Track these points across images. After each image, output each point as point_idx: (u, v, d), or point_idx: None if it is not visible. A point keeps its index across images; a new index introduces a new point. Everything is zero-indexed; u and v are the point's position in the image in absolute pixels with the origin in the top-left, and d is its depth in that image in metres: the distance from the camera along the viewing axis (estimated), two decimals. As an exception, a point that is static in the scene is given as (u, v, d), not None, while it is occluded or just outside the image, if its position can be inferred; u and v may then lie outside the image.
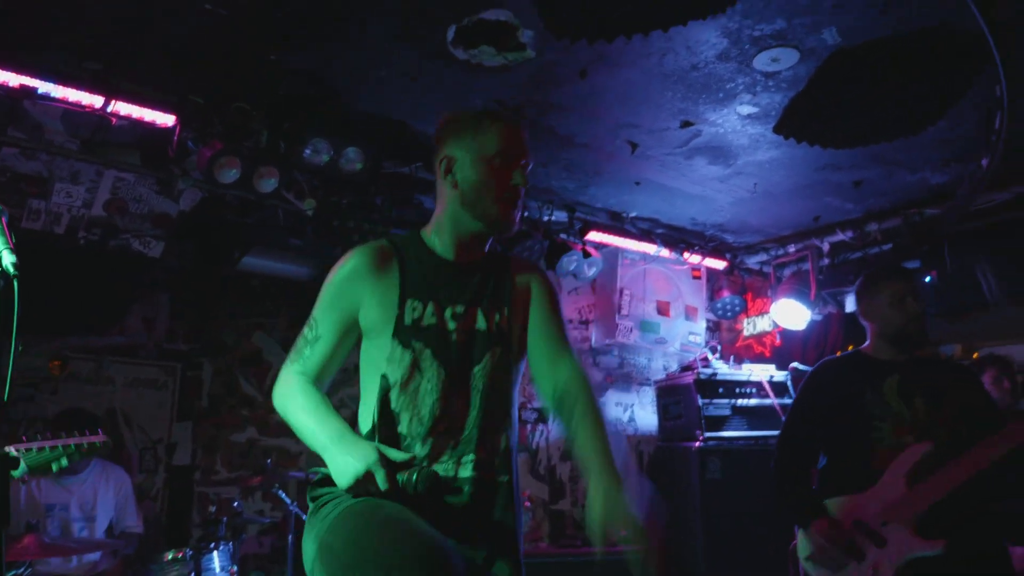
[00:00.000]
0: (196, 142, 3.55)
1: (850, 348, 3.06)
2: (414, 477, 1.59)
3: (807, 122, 3.65)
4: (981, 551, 2.49)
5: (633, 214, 4.90)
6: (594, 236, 4.81)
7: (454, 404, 1.72)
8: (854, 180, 4.36)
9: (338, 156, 3.64)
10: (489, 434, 1.73)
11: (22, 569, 3.24)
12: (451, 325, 1.76)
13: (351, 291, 1.77)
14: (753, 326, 5.86)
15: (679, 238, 5.29)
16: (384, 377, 1.72)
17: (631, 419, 5.55)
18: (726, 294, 5.52)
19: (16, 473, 1.85)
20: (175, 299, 4.69)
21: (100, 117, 3.42)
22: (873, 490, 2.54)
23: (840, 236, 5.03)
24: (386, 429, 1.70)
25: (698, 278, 5.61)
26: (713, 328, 6.02)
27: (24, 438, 1.90)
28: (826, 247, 5.18)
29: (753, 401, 5.02)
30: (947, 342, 7.31)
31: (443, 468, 1.68)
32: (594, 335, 5.44)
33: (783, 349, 5.76)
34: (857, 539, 2.50)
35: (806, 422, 2.84)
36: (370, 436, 1.70)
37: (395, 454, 1.62)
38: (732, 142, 3.90)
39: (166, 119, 3.43)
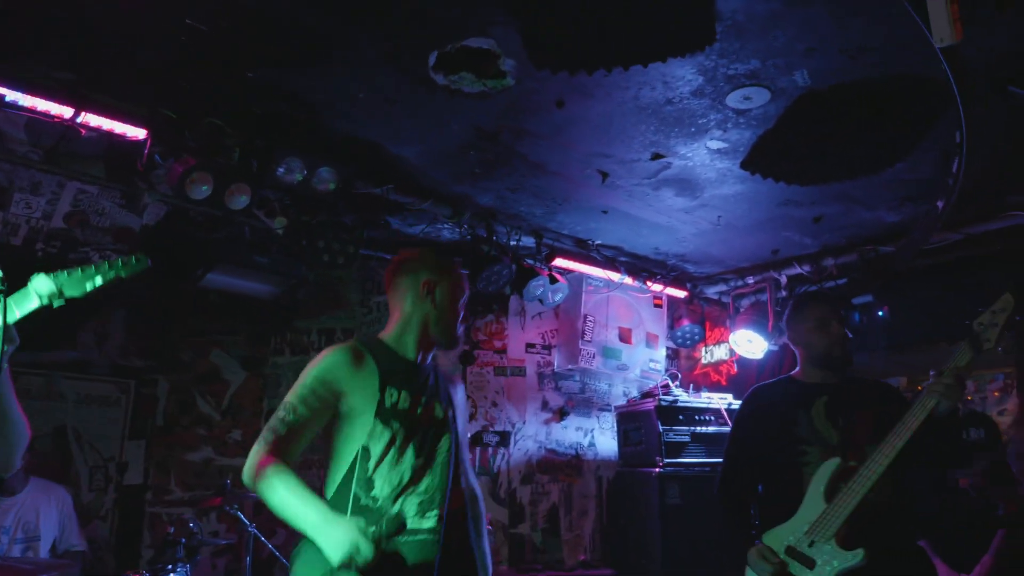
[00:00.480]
0: (164, 156, 3.49)
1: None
2: (383, 527, 1.97)
3: (774, 159, 3.76)
4: (900, 552, 2.58)
5: (599, 242, 4.96)
6: (560, 262, 4.86)
7: (422, 473, 2.14)
8: (814, 216, 4.49)
9: (311, 175, 3.61)
10: (445, 496, 2.16)
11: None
12: (419, 411, 2.19)
13: (336, 380, 2.15)
14: (711, 355, 5.97)
15: (642, 267, 5.37)
16: (366, 449, 2.11)
17: (591, 443, 5.59)
18: (686, 323, 5.62)
19: (45, 292, 1.80)
20: (131, 314, 4.58)
21: (65, 127, 3.35)
22: (799, 513, 2.62)
23: (797, 269, 5.17)
24: (364, 491, 2.09)
25: (659, 306, 5.70)
26: (672, 356, 6.11)
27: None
28: (783, 280, 5.31)
29: (711, 428, 5.11)
30: (894, 375, 7.55)
31: (411, 522, 2.07)
32: (556, 360, 5.48)
33: (739, 377, 5.87)
34: (791, 567, 2.57)
35: (742, 450, 2.93)
36: (344, 496, 2.08)
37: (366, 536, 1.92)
38: (700, 175, 3.99)
39: (137, 132, 3.37)
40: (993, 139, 3.49)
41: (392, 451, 2.10)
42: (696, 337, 5.72)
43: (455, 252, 4.91)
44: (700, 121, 3.44)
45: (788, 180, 3.94)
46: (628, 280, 5.23)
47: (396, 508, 2.07)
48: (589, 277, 5.26)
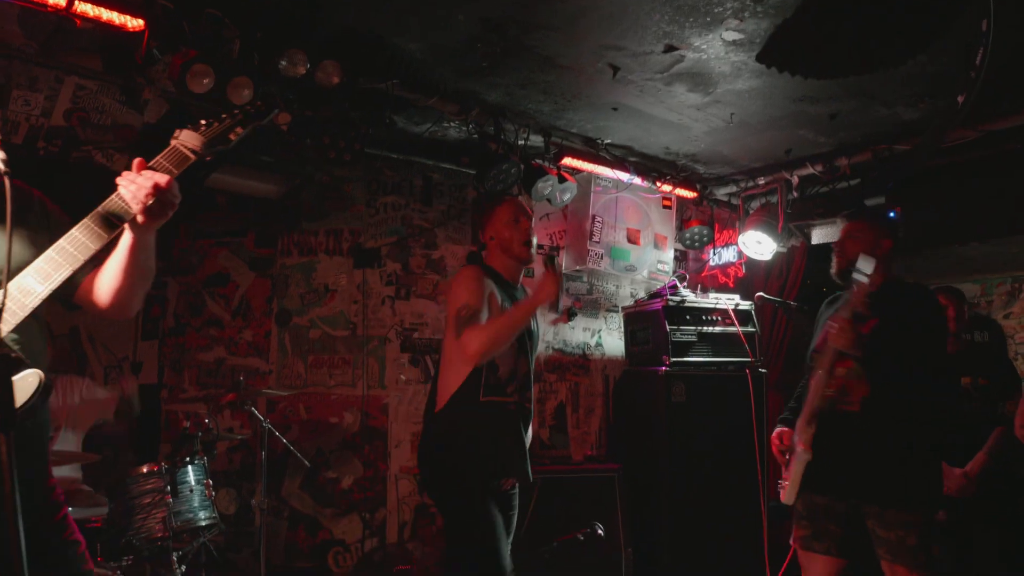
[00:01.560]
0: (162, 50, 3.40)
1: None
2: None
3: (791, 51, 3.63)
4: (840, 450, 2.88)
5: (608, 141, 4.87)
6: (569, 162, 4.78)
7: (524, 362, 2.98)
8: (830, 113, 4.38)
9: (314, 68, 3.52)
10: (531, 381, 3.05)
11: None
12: None
13: (486, 288, 2.86)
14: (719, 257, 5.95)
15: (652, 167, 5.29)
16: None
17: (598, 343, 5.64)
18: (695, 224, 5.57)
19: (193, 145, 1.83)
20: (139, 215, 4.56)
21: (60, 18, 3.24)
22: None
23: (810, 169, 5.08)
24: (492, 373, 2.85)
25: (669, 207, 5.65)
26: (680, 257, 6.10)
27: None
28: (795, 180, 5.23)
29: (718, 328, 5.13)
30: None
31: (520, 397, 2.95)
32: (564, 260, 5.47)
33: (746, 279, 5.87)
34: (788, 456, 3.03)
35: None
36: (478, 377, 2.82)
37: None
38: (714, 69, 3.87)
39: (135, 23, 3.26)
40: (1019, 30, 3.35)
41: (508, 347, 2.84)
42: (705, 239, 5.69)
43: (461, 151, 4.84)
44: (716, 9, 3.31)
45: (805, 74, 3.81)
46: (637, 180, 5.16)
47: (511, 386, 2.90)
48: (598, 177, 5.19)
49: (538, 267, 4.08)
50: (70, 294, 1.93)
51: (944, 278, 7.06)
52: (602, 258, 5.32)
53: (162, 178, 1.72)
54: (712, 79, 3.99)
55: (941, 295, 4.50)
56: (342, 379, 4.82)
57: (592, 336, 5.63)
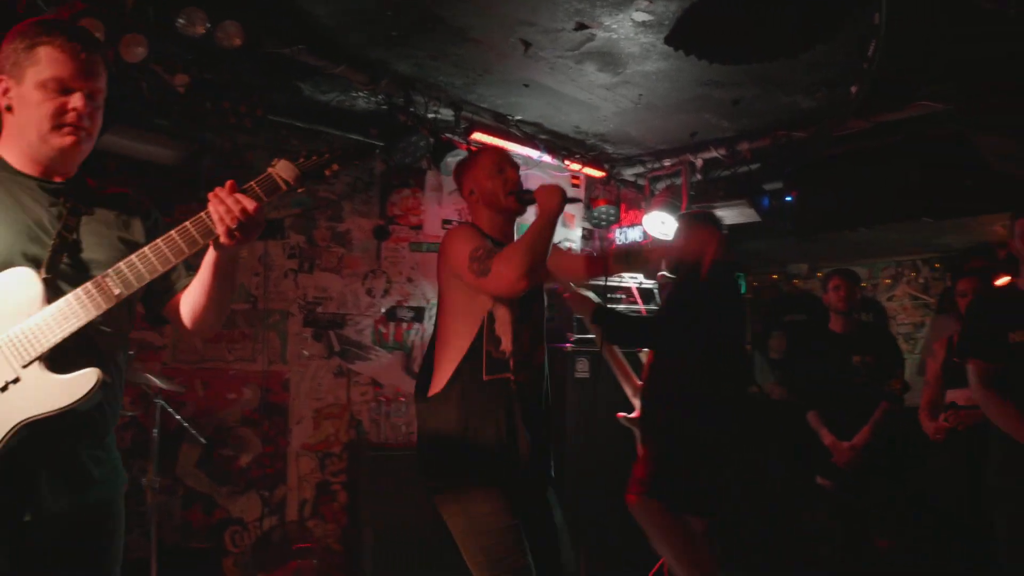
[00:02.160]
0: (48, 2, 3.18)
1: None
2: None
3: (697, 35, 3.70)
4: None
5: (519, 117, 4.86)
6: (479, 136, 4.76)
7: (529, 330, 2.61)
8: (733, 98, 4.50)
9: (215, 29, 3.36)
10: (539, 355, 2.69)
11: None
12: None
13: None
14: (625, 236, 6.05)
15: (562, 145, 5.32)
16: (491, 313, 2.54)
17: (505, 321, 5.67)
18: (602, 203, 5.65)
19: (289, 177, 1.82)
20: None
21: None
22: None
23: (713, 153, 5.22)
24: (495, 347, 2.53)
25: (577, 186, 5.70)
26: (587, 236, 6.17)
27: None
28: (699, 163, 5.37)
29: (621, 307, 5.23)
30: (797, 261, 7.89)
31: (526, 369, 2.59)
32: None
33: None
34: None
35: None
36: (479, 352, 2.51)
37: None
38: (623, 49, 3.91)
39: (14, -31, 3.03)
40: (913, 25, 3.51)
41: (508, 313, 2.54)
42: (612, 218, 5.78)
43: (370, 122, 4.74)
44: (627, -11, 3.34)
45: (710, 59, 3.90)
46: (547, 158, 5.18)
47: (513, 360, 2.55)
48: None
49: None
50: (161, 306, 1.97)
51: (835, 261, 7.43)
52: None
53: (250, 204, 1.72)
54: (622, 59, 4.03)
55: (836, 276, 4.72)
56: (241, 354, 4.67)
57: (499, 313, 5.66)
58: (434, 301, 4.95)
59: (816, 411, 4.64)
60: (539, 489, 2.67)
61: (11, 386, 1.62)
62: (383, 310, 5.05)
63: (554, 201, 2.54)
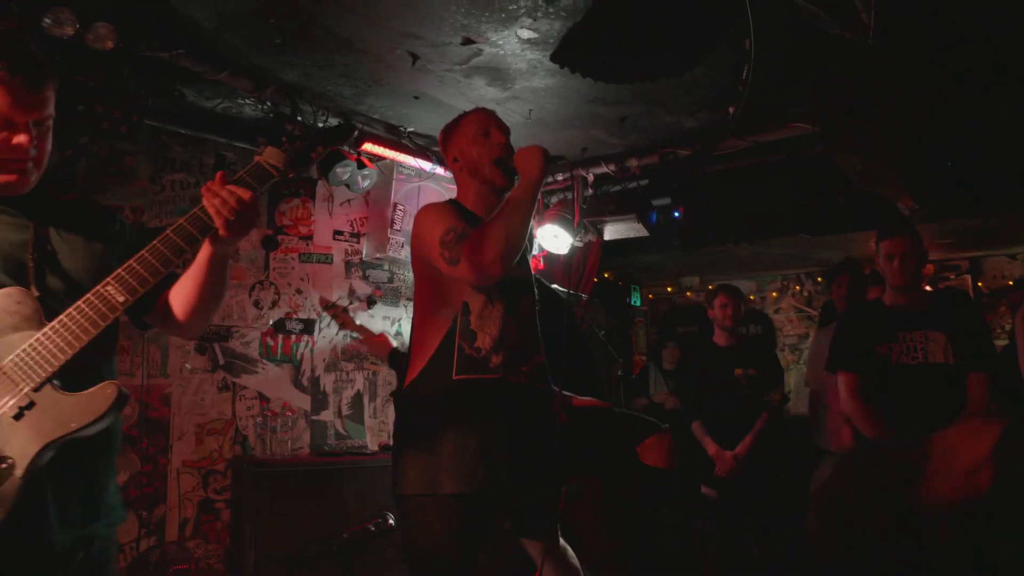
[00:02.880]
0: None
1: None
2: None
3: (581, 54, 3.79)
4: None
5: (411, 129, 4.86)
6: (371, 148, 4.72)
7: (513, 325, 2.34)
8: (620, 116, 4.63)
9: (84, 30, 3.24)
10: (532, 348, 2.42)
11: None
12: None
13: (459, 216, 2.33)
14: (520, 249, 6.11)
15: (455, 158, 5.33)
16: (466, 304, 2.29)
17: (398, 332, 5.62)
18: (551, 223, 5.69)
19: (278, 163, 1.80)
20: None
21: None
22: None
23: (604, 168, 5.34)
24: (468, 343, 2.27)
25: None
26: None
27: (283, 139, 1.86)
28: (591, 178, 5.48)
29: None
30: (686, 273, 8.13)
31: (507, 371, 2.30)
32: (365, 248, 5.40)
33: (546, 272, 6.07)
34: None
35: None
36: (450, 348, 2.26)
37: None
38: (511, 65, 3.96)
39: None
40: (778, 50, 3.70)
41: (487, 305, 2.29)
42: (506, 231, 5.82)
43: (257, 130, 4.64)
44: (510, 7, 3.39)
45: (595, 77, 3.99)
46: (440, 170, 5.19)
47: (497, 358, 2.28)
48: (400, 165, 5.17)
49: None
50: (147, 310, 1.91)
51: (725, 275, 7.70)
52: (403, 246, 5.31)
53: (245, 193, 1.70)
54: (510, 75, 4.09)
55: (722, 293, 4.90)
56: (120, 368, 4.48)
57: (392, 325, 5.61)
58: (324, 314, 4.88)
59: (699, 421, 4.79)
60: (515, 505, 2.45)
61: (26, 412, 1.54)
62: (271, 322, 4.94)
63: (533, 165, 2.24)
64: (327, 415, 5.12)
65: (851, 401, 3.58)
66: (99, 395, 1.59)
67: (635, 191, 5.45)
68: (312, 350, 5.08)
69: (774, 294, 8.26)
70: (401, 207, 5.26)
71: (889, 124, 3.25)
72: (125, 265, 1.68)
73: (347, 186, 4.64)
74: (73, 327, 1.60)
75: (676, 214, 5.55)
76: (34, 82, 1.66)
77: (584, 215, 5.57)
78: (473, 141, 2.46)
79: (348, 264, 5.34)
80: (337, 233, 5.26)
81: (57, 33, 3.22)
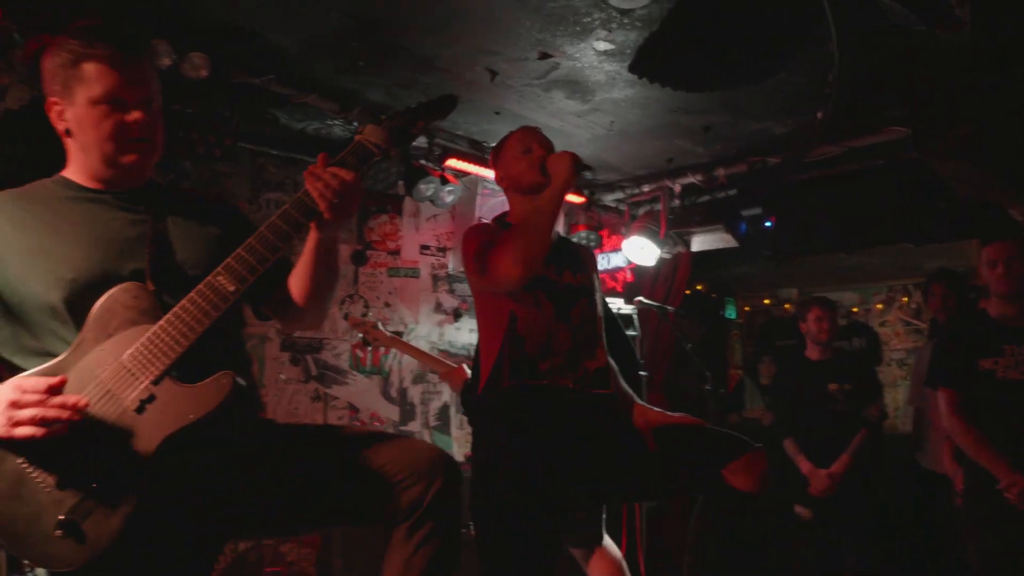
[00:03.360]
0: (22, 34, 3.27)
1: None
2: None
3: (659, 63, 3.75)
4: None
5: (493, 144, 4.91)
6: (455, 163, 4.81)
7: (563, 334, 2.35)
8: (703, 125, 4.54)
9: (181, 60, 3.44)
10: (583, 357, 2.39)
11: None
12: (554, 276, 2.41)
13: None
14: (608, 261, 6.06)
15: (540, 171, 5.35)
16: (513, 312, 2.33)
17: (484, 346, 5.69)
18: (582, 229, 5.68)
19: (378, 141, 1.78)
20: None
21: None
22: None
23: (691, 179, 5.25)
24: (514, 348, 2.30)
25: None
26: (569, 262, 6.19)
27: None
28: (677, 188, 5.39)
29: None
30: (782, 285, 7.87)
31: (559, 377, 2.31)
32: (451, 262, 5.49)
33: (634, 285, 6.01)
34: None
35: None
36: (502, 356, 2.31)
37: None
38: (589, 77, 3.96)
39: (-16, 5, 3.12)
40: (866, 52, 3.55)
41: (533, 312, 2.32)
42: (592, 243, 5.79)
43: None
44: (584, 20, 3.39)
45: (674, 86, 3.94)
46: (525, 185, 5.22)
47: (545, 363, 2.30)
48: (484, 180, 5.23)
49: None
50: (263, 300, 1.91)
51: (825, 287, 7.42)
52: (489, 260, 5.36)
53: (347, 174, 1.67)
54: (589, 87, 4.08)
55: (817, 307, 4.71)
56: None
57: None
58: (412, 326, 5.00)
59: (792, 438, 4.61)
60: (565, 511, 2.42)
61: (148, 406, 1.56)
62: (360, 335, 5.08)
63: (561, 170, 2.29)
64: (415, 426, 5.22)
65: (952, 419, 3.38)
66: (214, 385, 1.58)
67: (723, 201, 5.32)
68: (400, 362, 5.19)
69: (879, 306, 7.89)
70: (485, 221, 5.33)
71: (987, 127, 3.06)
72: (234, 254, 1.66)
73: (431, 202, 4.73)
74: (187, 319, 1.60)
75: (767, 224, 5.38)
76: (138, 55, 1.71)
77: (671, 226, 5.48)
78: (516, 158, 2.51)
79: (435, 278, 5.44)
80: (424, 248, 5.37)
81: (156, 64, 3.44)
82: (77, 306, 1.61)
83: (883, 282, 7.67)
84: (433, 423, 5.33)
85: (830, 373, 4.60)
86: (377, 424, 5.03)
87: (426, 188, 4.57)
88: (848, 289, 7.71)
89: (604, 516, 3.16)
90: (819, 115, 3.93)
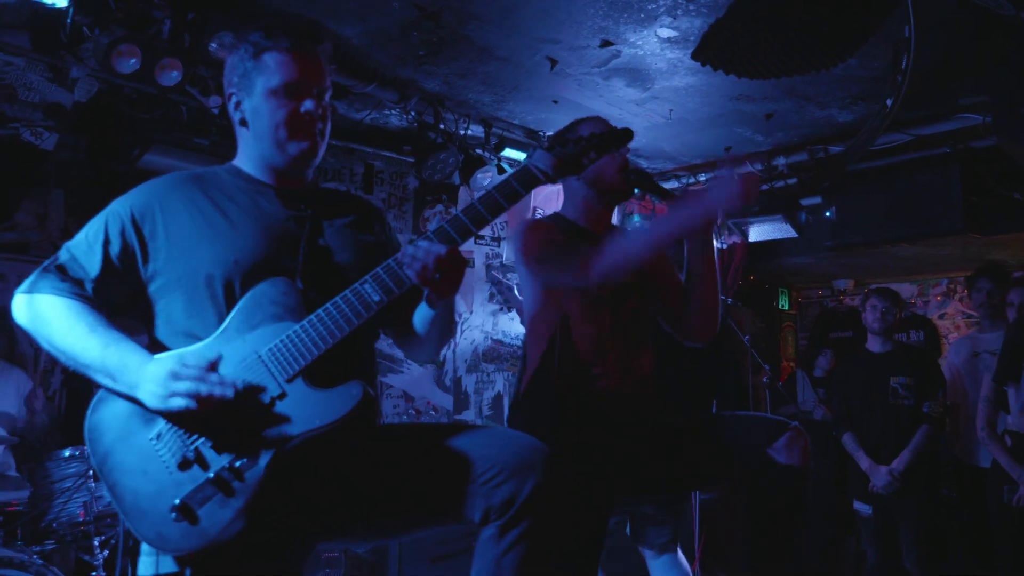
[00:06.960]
0: (92, 28, 3.33)
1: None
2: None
3: (724, 49, 3.68)
4: None
5: (550, 133, 4.89)
6: (510, 152, 4.80)
7: (613, 335, 2.29)
8: (766, 112, 4.45)
9: (244, 50, 3.47)
10: (633, 358, 2.33)
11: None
12: None
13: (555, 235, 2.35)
14: (661, 251, 6.01)
15: (595, 160, 5.31)
16: (566, 314, 2.27)
17: (538, 336, 5.69)
18: (636, 213, 5.63)
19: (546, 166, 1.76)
20: (69, 195, 4.46)
21: (-17, -8, 3.16)
22: None
23: (748, 168, 5.16)
24: (565, 348, 2.24)
25: (611, 201, 5.68)
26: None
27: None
28: (735, 177, 5.30)
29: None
30: (841, 276, 7.71)
31: (609, 381, 2.26)
32: (505, 252, 5.49)
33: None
34: None
35: None
36: (551, 354, 2.25)
37: None
38: (650, 65, 3.91)
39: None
40: (944, 36, 3.44)
41: (586, 311, 2.27)
42: (647, 233, 5.74)
43: (403, 139, 4.82)
44: (649, 7, 3.34)
45: (738, 73, 3.87)
46: (579, 174, 5.19)
47: (597, 366, 2.25)
48: (541, 169, 5.21)
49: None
50: (391, 320, 1.87)
51: (882, 278, 7.25)
52: (543, 250, 5.34)
53: (441, 249, 1.64)
54: (649, 75, 4.03)
55: (876, 296, 4.60)
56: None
57: (533, 327, 5.67)
58: (466, 315, 5.01)
59: (851, 433, 4.52)
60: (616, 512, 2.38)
61: (277, 402, 1.56)
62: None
63: (717, 202, 2.04)
64: (469, 415, 5.24)
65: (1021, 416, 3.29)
66: (344, 394, 1.56)
67: (783, 190, 5.23)
68: (455, 352, 5.21)
69: (938, 298, 7.68)
70: (541, 210, 5.31)
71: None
72: (383, 264, 1.64)
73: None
74: (329, 322, 1.59)
75: (828, 213, 5.27)
76: (316, 50, 1.75)
77: (728, 216, 5.40)
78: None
79: (489, 267, 5.44)
80: (478, 237, 5.38)
81: (222, 56, 3.48)
82: (232, 288, 1.64)
83: (942, 273, 7.46)
84: (487, 412, 5.35)
85: (891, 366, 4.48)
86: (433, 412, 5.06)
87: (483, 178, 4.56)
88: (906, 280, 7.52)
89: (677, 523, 3.11)
90: (888, 103, 3.82)
